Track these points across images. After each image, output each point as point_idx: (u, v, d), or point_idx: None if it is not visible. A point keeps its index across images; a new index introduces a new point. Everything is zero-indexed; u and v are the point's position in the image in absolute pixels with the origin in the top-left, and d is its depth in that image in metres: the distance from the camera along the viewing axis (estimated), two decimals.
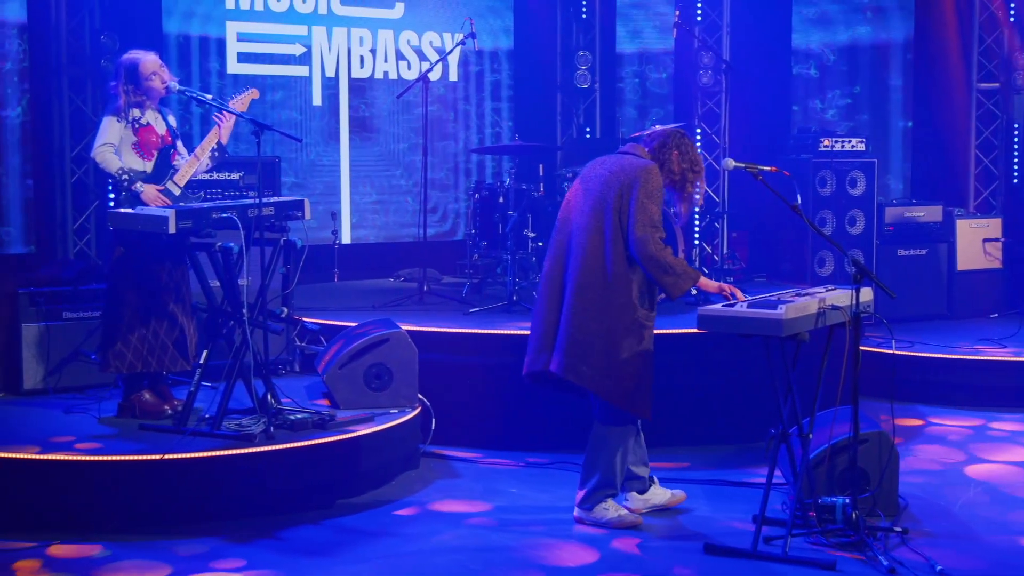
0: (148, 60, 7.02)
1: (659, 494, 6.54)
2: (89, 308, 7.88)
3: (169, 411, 7.07)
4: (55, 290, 7.92)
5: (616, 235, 6.03)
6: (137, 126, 6.98)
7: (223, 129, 7.09)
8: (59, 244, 9.68)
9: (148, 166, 7.00)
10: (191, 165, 7.09)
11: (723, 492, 6.91)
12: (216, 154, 7.13)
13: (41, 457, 6.26)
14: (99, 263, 9.08)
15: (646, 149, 6.21)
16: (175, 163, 7.12)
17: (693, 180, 6.19)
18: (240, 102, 7.09)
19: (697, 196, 6.33)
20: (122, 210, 6.77)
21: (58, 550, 5.89)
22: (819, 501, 6.01)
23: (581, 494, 6.34)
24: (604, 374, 6.05)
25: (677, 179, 6.17)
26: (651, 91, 12.34)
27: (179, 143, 7.23)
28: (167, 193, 6.96)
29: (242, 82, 10.68)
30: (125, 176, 6.88)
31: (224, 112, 7.07)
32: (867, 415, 6.45)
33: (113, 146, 6.91)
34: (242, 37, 10.80)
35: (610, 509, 6.29)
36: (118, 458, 6.27)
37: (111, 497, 6.21)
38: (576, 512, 6.36)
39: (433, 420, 7.52)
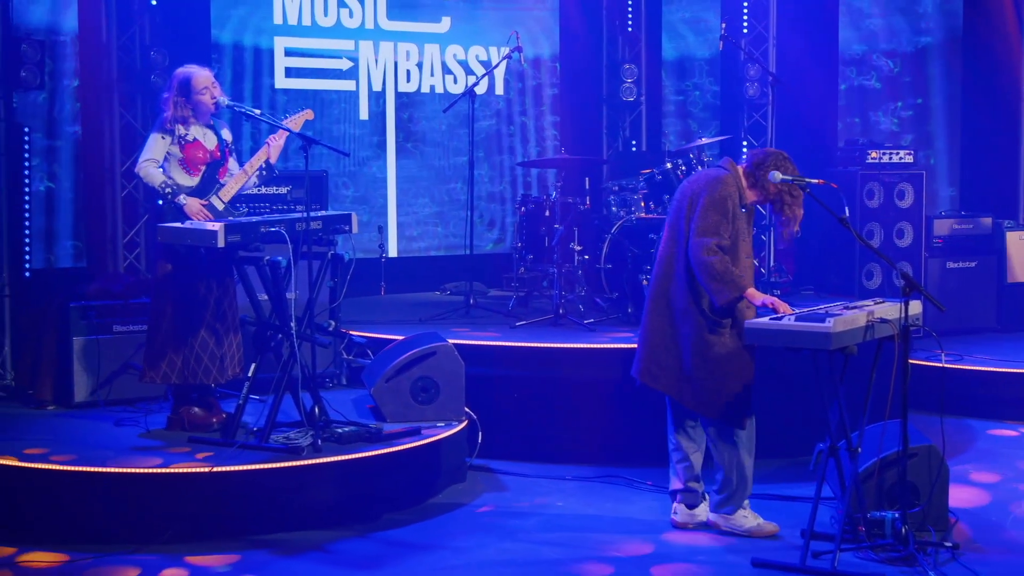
0: (201, 75, 7.08)
1: (707, 512, 6.51)
2: (138, 322, 7.92)
3: (217, 424, 7.12)
4: (105, 304, 7.99)
5: (685, 244, 6.15)
6: (183, 143, 7.03)
7: (272, 148, 7.14)
8: (109, 258, 9.76)
9: (194, 181, 7.05)
10: (237, 181, 7.13)
11: (771, 506, 6.85)
12: (263, 172, 7.17)
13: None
14: (148, 277, 9.13)
15: (744, 165, 6.29)
16: (223, 179, 7.17)
17: (791, 204, 6.21)
18: (294, 121, 7.08)
19: (795, 223, 6.25)
20: (171, 224, 6.83)
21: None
22: (868, 515, 5.98)
23: (717, 499, 6.35)
24: (678, 378, 6.18)
25: (773, 199, 6.21)
26: (697, 103, 12.32)
27: (232, 159, 7.28)
28: (210, 208, 7.00)
29: (292, 96, 10.77)
30: (168, 188, 6.95)
31: (277, 130, 7.12)
32: (916, 429, 6.40)
33: (156, 161, 6.97)
34: (290, 52, 10.88)
35: (749, 518, 6.31)
36: (172, 470, 6.32)
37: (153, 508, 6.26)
38: (711, 516, 6.38)
39: (480, 433, 7.53)
